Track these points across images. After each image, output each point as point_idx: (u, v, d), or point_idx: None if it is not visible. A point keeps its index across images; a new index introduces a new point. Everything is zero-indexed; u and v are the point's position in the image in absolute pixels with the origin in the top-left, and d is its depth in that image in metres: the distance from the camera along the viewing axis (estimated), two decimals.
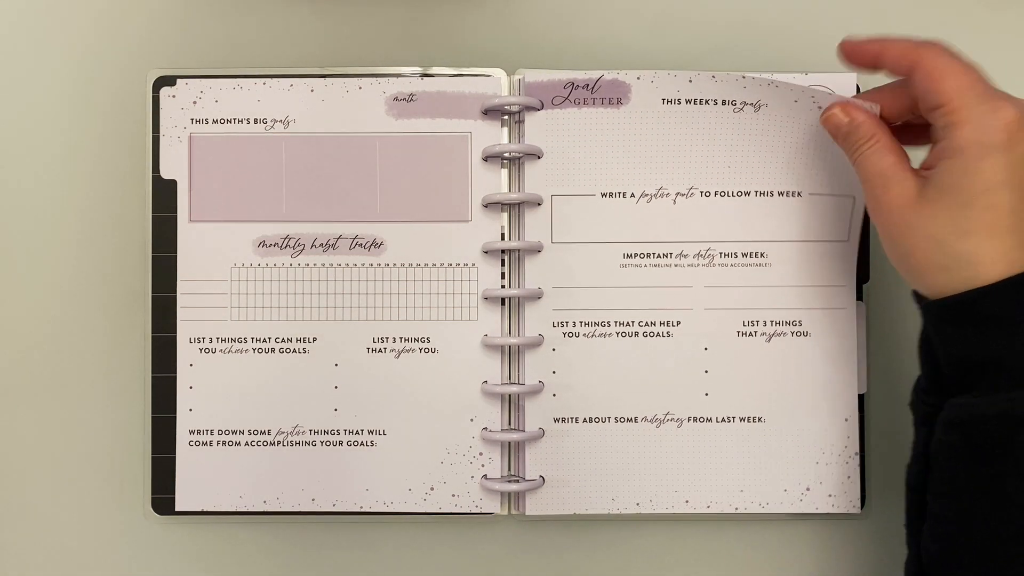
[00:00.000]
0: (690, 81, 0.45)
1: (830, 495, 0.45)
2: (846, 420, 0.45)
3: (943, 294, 0.36)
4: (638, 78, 0.45)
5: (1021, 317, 0.35)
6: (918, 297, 0.38)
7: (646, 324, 0.45)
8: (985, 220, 0.35)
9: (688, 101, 0.45)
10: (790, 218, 0.45)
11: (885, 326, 0.47)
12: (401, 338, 0.45)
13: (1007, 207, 0.35)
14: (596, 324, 0.45)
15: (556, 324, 0.45)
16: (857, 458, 0.45)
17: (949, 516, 0.37)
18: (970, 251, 0.35)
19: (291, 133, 0.45)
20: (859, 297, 0.45)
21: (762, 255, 0.45)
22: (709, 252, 0.45)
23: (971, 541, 0.36)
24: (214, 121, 0.45)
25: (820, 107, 0.43)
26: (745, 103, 0.44)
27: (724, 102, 0.45)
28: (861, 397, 0.45)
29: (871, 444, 0.46)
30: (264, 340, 0.45)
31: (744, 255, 0.45)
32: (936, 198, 0.36)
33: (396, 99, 0.45)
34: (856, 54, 0.40)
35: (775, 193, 0.45)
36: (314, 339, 0.45)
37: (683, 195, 0.45)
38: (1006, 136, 0.35)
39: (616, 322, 0.45)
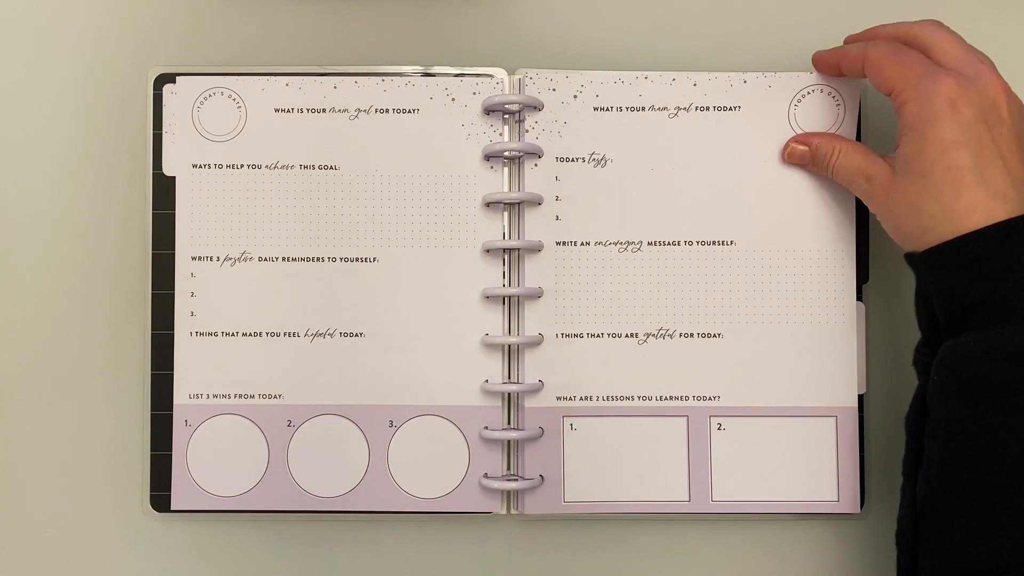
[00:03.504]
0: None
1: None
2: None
3: None
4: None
5: (1005, 260, 0.37)
6: (911, 258, 0.40)
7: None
8: (949, 180, 0.38)
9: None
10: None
11: (885, 326, 0.47)
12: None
13: (967, 165, 0.38)
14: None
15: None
16: (857, 458, 0.45)
17: (942, 456, 0.38)
18: (944, 210, 0.38)
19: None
20: (859, 297, 0.45)
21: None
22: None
23: (962, 478, 0.37)
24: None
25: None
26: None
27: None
28: (861, 397, 0.45)
29: (871, 444, 0.46)
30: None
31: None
32: (904, 171, 0.40)
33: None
34: (823, 64, 0.45)
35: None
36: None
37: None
38: (949, 102, 0.38)
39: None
